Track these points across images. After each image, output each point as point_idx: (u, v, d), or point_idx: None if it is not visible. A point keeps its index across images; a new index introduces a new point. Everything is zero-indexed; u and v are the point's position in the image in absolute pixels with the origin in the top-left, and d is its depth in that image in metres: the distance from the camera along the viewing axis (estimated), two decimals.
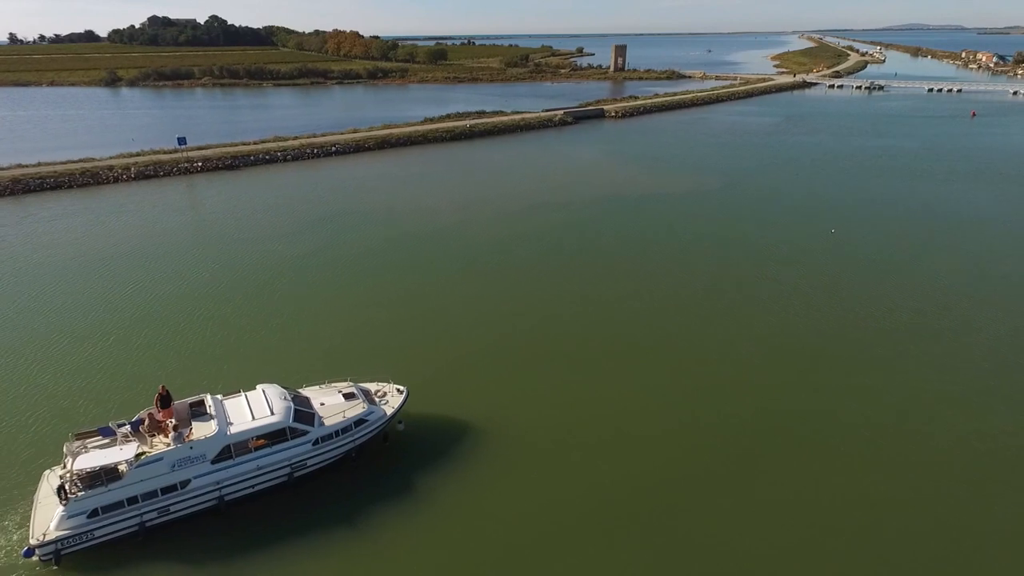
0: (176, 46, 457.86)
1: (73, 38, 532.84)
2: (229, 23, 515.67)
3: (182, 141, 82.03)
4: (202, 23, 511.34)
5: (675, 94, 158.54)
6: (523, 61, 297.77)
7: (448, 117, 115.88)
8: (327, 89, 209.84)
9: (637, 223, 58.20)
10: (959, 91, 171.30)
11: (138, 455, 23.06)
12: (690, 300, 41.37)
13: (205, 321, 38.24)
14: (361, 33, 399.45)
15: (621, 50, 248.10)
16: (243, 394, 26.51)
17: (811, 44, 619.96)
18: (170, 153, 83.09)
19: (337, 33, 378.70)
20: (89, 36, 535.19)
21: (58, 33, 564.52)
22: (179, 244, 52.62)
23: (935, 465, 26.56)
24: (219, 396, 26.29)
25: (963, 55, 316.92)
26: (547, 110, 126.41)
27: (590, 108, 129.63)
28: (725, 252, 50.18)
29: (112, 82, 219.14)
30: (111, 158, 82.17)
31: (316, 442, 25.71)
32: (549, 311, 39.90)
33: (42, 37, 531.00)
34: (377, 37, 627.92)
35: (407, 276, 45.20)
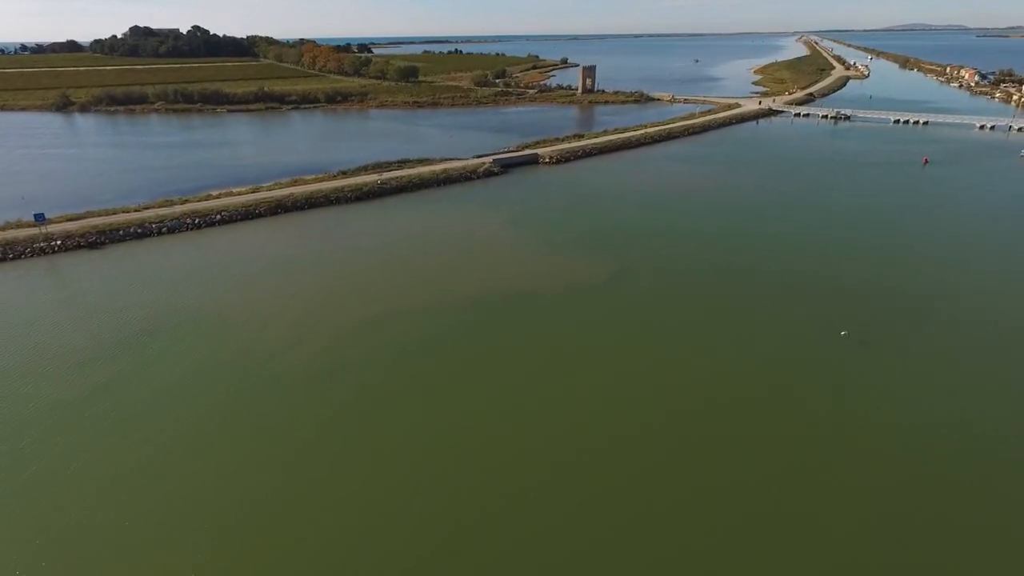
0: (156, 57, 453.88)
1: (56, 48, 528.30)
2: (212, 33, 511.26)
3: (40, 217, 75.96)
4: (184, 32, 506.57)
5: (626, 129, 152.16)
6: (496, 80, 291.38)
7: (365, 169, 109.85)
8: (283, 115, 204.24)
9: (508, 337, 52.51)
10: (925, 123, 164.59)
11: None
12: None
13: None
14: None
15: (590, 71, 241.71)
16: None
17: (805, 51, 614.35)
18: (27, 228, 77.06)
19: (313, 47, 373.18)
20: (71, 46, 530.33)
21: (41, 43, 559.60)
22: None
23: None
24: None
25: (947, 70, 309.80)
26: (478, 156, 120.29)
27: (523, 154, 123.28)
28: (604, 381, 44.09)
29: (63, 107, 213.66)
30: None
31: None
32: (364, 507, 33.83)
33: (23, 47, 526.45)
34: (368, 49, 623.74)
35: (181, 453, 39.02)
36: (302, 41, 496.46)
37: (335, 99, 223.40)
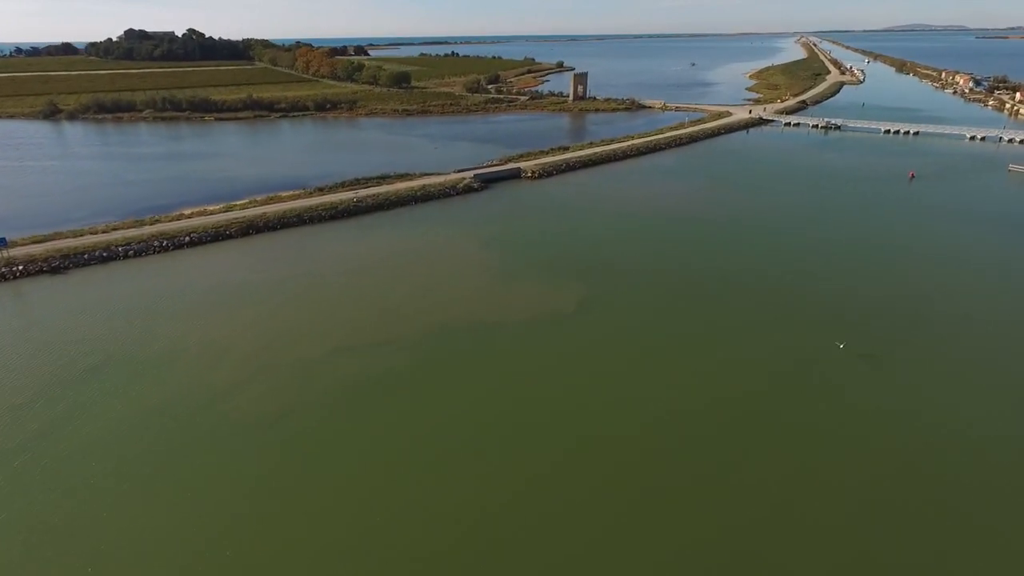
0: (151, 60, 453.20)
1: (51, 50, 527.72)
2: (207, 36, 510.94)
3: (1, 242, 74.67)
4: (180, 36, 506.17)
5: (612, 140, 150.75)
6: (489, 86, 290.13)
7: (343, 185, 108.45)
8: (271, 123, 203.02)
9: (472, 371, 51.57)
10: (916, 134, 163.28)
11: None
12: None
13: None
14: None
15: (581, 78, 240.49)
16: None
17: (803, 54, 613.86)
18: None
19: (307, 51, 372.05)
20: (66, 49, 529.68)
21: (41, 43, 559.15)
22: None
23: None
24: None
25: (942, 76, 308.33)
26: (458, 170, 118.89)
27: (505, 168, 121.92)
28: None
29: (51, 114, 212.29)
30: None
31: None
32: None
33: (19, 49, 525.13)
34: (364, 51, 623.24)
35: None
36: (298, 44, 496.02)
37: (324, 107, 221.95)
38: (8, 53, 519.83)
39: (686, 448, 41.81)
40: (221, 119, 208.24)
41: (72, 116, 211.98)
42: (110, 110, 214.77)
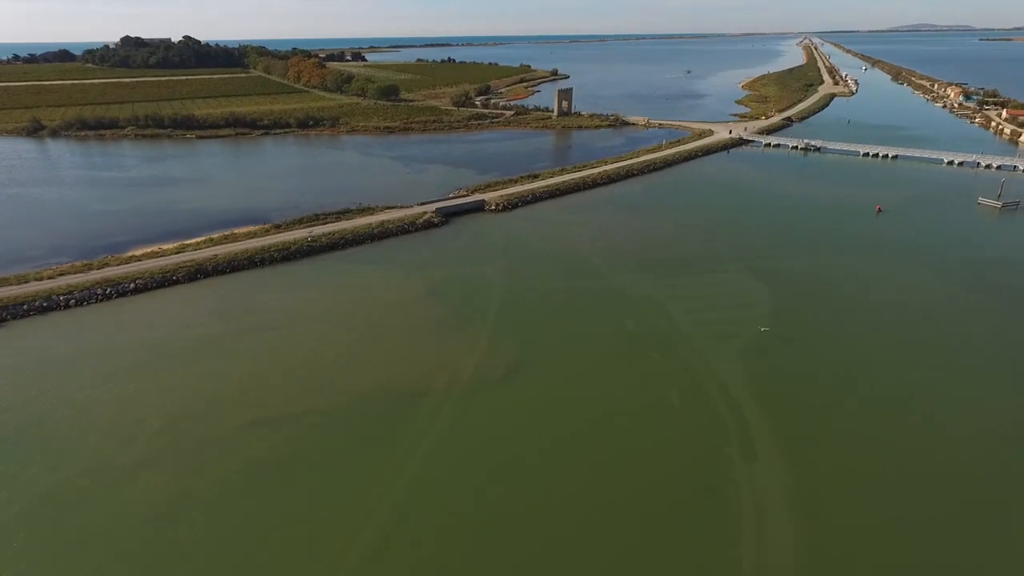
0: (146, 67, 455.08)
1: (48, 57, 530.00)
2: (203, 42, 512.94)
3: None
4: (175, 42, 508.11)
5: (585, 166, 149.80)
6: (477, 98, 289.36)
7: (300, 221, 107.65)
8: (253, 142, 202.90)
9: (391, 451, 50.46)
10: (894, 158, 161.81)
11: None
12: None
13: None
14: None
15: (566, 94, 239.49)
16: None
17: (803, 59, 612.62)
18: None
19: (298, 61, 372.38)
20: (63, 55, 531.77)
21: (44, 43, 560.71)
22: None
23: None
24: None
25: (934, 88, 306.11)
26: (421, 203, 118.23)
27: (468, 201, 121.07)
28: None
29: (34, 131, 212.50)
30: None
31: None
32: None
33: (16, 56, 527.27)
34: (360, 57, 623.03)
35: None
36: (295, 50, 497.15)
37: (307, 123, 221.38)
38: (6, 59, 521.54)
39: (635, 527, 41.34)
40: (203, 136, 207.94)
41: (55, 133, 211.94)
42: (93, 127, 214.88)
